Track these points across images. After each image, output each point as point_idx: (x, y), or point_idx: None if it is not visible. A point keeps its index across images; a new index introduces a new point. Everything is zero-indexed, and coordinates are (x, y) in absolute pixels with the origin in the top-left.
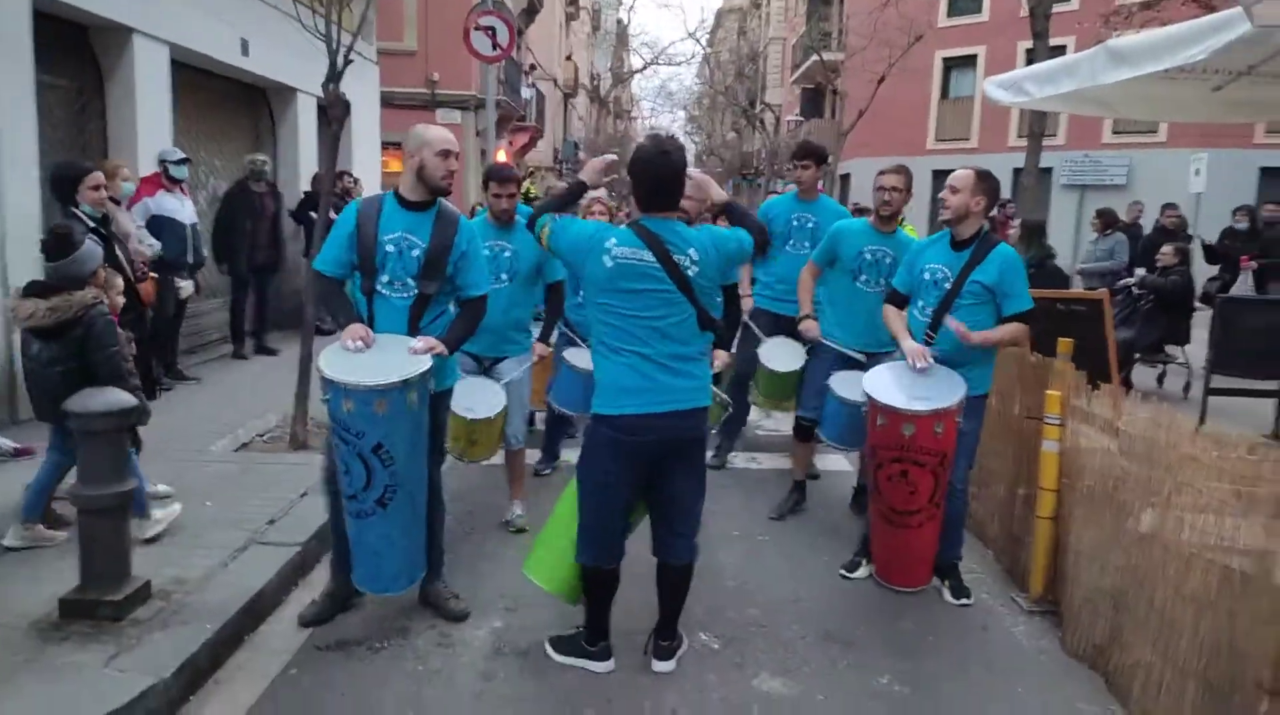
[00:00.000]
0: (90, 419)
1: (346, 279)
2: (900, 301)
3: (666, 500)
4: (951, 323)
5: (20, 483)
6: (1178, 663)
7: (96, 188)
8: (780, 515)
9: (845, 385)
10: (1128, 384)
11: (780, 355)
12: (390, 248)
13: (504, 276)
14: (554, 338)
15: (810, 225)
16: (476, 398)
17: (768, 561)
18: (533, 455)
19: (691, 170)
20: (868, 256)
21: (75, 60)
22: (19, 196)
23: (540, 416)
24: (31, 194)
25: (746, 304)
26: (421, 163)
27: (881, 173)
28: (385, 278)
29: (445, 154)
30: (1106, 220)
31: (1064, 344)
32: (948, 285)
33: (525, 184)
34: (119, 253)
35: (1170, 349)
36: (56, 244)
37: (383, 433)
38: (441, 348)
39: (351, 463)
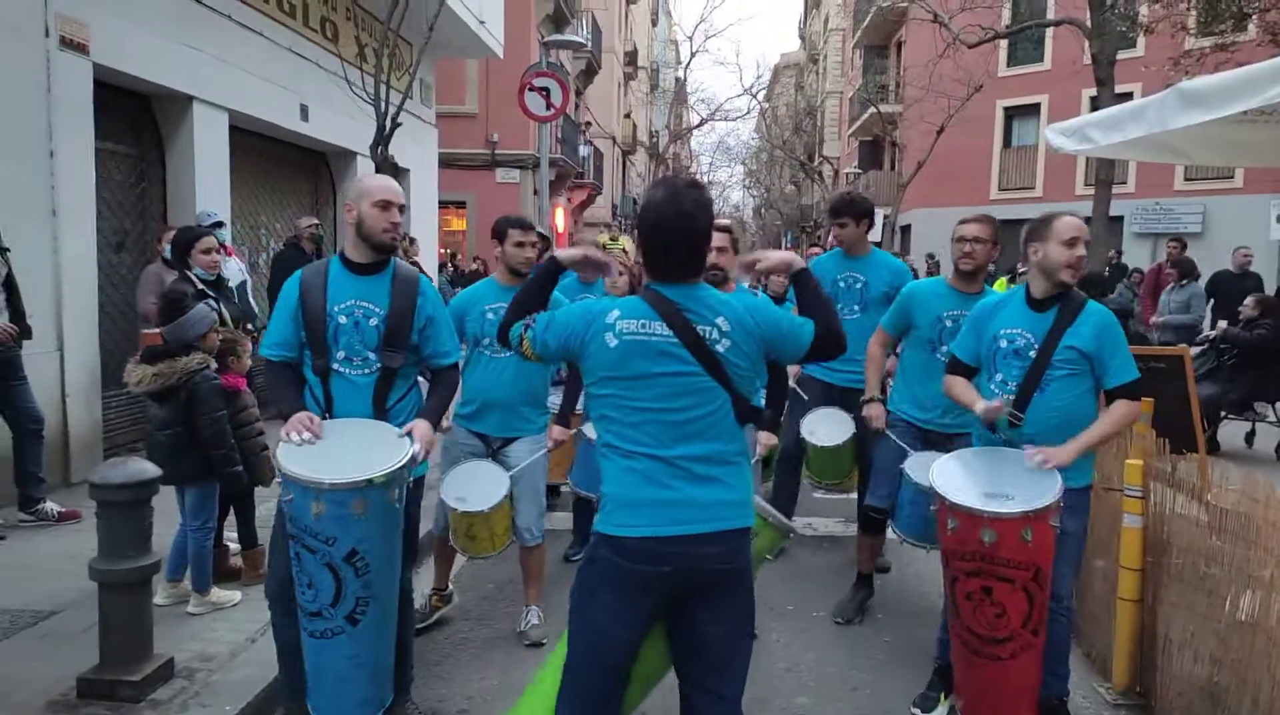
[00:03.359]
0: (109, 490)
1: (297, 361)
2: (966, 373)
3: (694, 649)
4: (1032, 458)
5: (63, 547)
6: None
7: (207, 252)
8: (847, 619)
9: (924, 469)
10: (1214, 444)
11: (824, 427)
12: (342, 318)
13: None
14: (581, 406)
15: (859, 286)
16: (473, 486)
17: (822, 641)
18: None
19: (757, 254)
20: (948, 323)
21: (137, 127)
22: (77, 264)
23: (565, 488)
24: (88, 261)
25: (793, 371)
26: (360, 216)
27: (963, 222)
28: (340, 353)
29: (385, 205)
30: (1183, 270)
31: (1144, 404)
32: (1032, 353)
33: (606, 238)
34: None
35: (1260, 406)
36: (166, 307)
37: (358, 537)
38: (432, 436)
39: (318, 575)
